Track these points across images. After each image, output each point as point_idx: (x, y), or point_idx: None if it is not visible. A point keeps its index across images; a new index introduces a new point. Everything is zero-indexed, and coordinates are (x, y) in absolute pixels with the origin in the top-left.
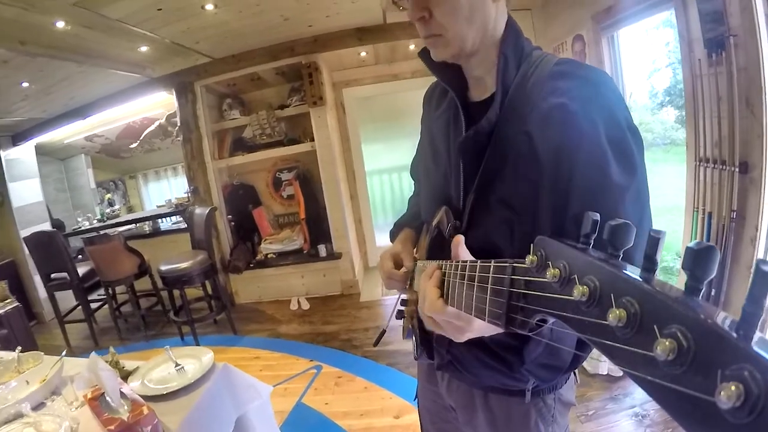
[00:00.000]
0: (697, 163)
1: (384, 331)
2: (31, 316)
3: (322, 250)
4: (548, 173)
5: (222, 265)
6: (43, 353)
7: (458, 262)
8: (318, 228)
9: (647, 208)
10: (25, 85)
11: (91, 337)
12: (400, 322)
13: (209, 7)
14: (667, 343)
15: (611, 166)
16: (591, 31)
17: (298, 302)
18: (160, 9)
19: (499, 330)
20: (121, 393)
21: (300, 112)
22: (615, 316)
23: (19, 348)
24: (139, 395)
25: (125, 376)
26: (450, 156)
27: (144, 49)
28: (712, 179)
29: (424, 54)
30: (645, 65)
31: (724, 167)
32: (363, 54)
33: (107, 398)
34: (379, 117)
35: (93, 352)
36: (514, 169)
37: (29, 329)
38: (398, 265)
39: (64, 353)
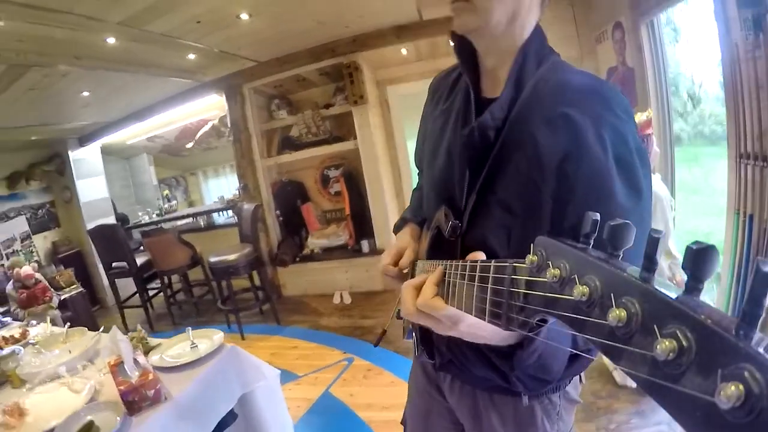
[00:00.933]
0: (738, 160)
1: (384, 332)
2: (95, 301)
3: (365, 245)
4: (551, 181)
5: (269, 258)
6: (87, 329)
7: (458, 262)
8: (363, 224)
9: (645, 233)
10: (86, 94)
11: (147, 322)
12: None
13: (244, 16)
14: (667, 343)
15: (616, 185)
16: (629, 19)
17: (341, 296)
18: (199, 22)
19: (490, 338)
20: (136, 361)
21: (345, 110)
22: (615, 315)
23: (68, 324)
24: (155, 366)
25: (148, 350)
26: (456, 151)
27: (192, 56)
28: (753, 178)
29: (455, 37)
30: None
31: (765, 164)
32: (404, 51)
33: (124, 366)
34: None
35: (114, 325)
36: (517, 172)
37: (92, 312)
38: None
39: (102, 329)
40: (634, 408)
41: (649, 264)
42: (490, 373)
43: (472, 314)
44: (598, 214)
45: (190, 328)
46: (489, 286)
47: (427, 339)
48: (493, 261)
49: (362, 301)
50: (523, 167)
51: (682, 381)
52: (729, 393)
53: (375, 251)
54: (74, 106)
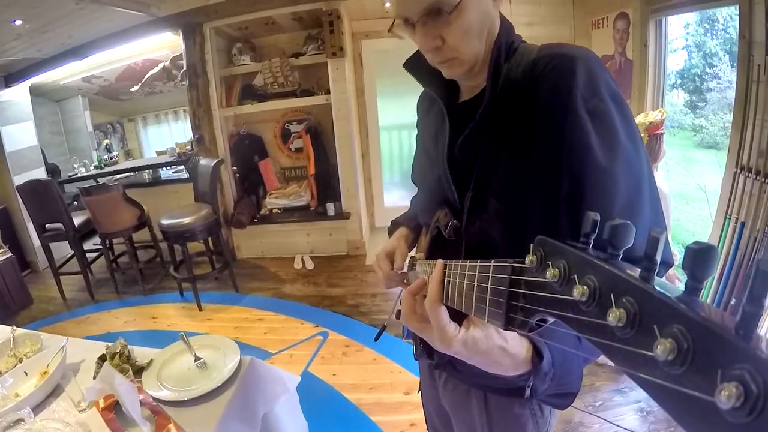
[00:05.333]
0: (738, 171)
1: (384, 327)
2: (25, 265)
3: (331, 208)
4: (541, 160)
5: (225, 218)
6: (42, 334)
7: (458, 261)
8: (326, 185)
9: (643, 186)
10: (18, 23)
11: (87, 290)
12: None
13: None
14: (667, 343)
15: (592, 139)
16: (639, 12)
17: (302, 261)
18: None
19: (489, 366)
20: (141, 403)
21: (315, 61)
22: (615, 316)
23: (14, 327)
24: (160, 401)
25: (138, 370)
26: (443, 159)
27: None
28: (751, 190)
29: (409, 65)
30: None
31: (766, 180)
32: (388, 5)
33: (124, 410)
34: (397, 71)
35: (106, 362)
36: (507, 161)
37: (23, 281)
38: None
39: (66, 341)
40: (614, 386)
41: (649, 264)
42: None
43: (471, 314)
44: (598, 215)
45: (183, 333)
46: (489, 285)
47: None
48: (492, 261)
49: (326, 266)
50: (513, 155)
51: (681, 381)
52: (729, 393)
53: (341, 214)
54: (2, 39)
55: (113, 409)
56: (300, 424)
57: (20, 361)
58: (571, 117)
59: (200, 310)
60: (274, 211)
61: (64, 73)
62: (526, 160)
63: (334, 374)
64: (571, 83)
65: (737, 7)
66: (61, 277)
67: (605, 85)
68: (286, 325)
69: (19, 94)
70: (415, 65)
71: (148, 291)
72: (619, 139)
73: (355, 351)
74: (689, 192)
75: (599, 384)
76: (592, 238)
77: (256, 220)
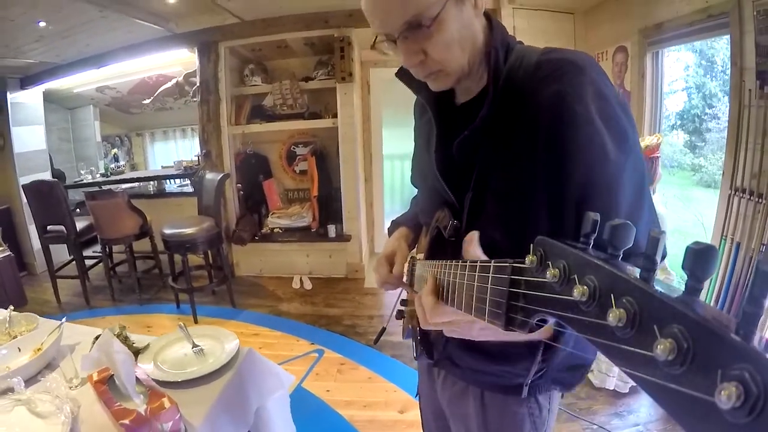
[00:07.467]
0: (732, 192)
1: (384, 329)
2: (22, 266)
3: (332, 230)
4: (544, 161)
5: (226, 234)
6: (38, 317)
7: (458, 262)
8: (328, 207)
9: (645, 183)
10: (42, 24)
11: (83, 295)
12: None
13: None
14: (667, 343)
15: (608, 144)
16: (637, 45)
17: (301, 281)
18: None
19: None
20: (136, 379)
21: (324, 86)
22: (615, 316)
23: (12, 307)
24: (155, 380)
25: (135, 353)
26: (433, 166)
27: (172, 0)
28: (745, 211)
29: (401, 74)
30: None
31: (760, 200)
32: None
33: (118, 383)
34: (402, 101)
35: (107, 329)
36: (507, 161)
37: (19, 280)
38: (393, 266)
39: (64, 320)
40: (612, 410)
41: (649, 264)
42: (490, 366)
43: (471, 314)
44: (598, 215)
45: (182, 323)
46: (489, 286)
47: (426, 339)
48: (492, 261)
49: (324, 287)
50: (515, 156)
51: (681, 381)
52: (729, 393)
53: (342, 237)
54: (25, 39)
55: (106, 382)
56: (289, 428)
57: (14, 339)
58: (581, 119)
59: (196, 322)
60: (275, 230)
61: (79, 81)
62: (526, 161)
63: (328, 390)
64: (582, 90)
65: (728, 37)
66: (57, 280)
67: (611, 93)
68: (282, 342)
69: (32, 97)
70: (407, 74)
71: (144, 300)
72: (628, 141)
73: (350, 369)
74: (687, 228)
75: (597, 408)
76: (592, 238)
77: (257, 238)
